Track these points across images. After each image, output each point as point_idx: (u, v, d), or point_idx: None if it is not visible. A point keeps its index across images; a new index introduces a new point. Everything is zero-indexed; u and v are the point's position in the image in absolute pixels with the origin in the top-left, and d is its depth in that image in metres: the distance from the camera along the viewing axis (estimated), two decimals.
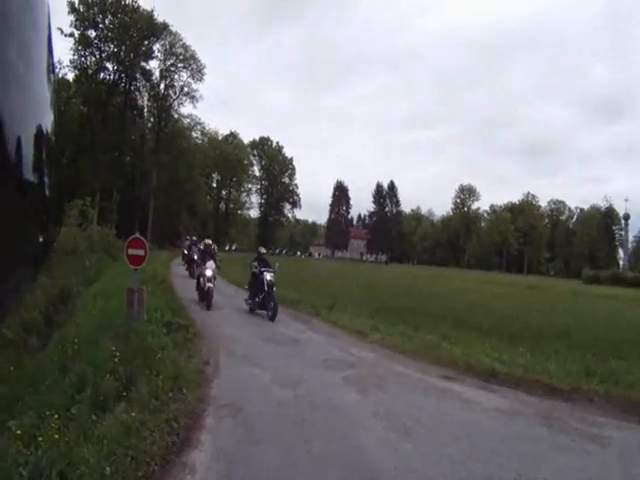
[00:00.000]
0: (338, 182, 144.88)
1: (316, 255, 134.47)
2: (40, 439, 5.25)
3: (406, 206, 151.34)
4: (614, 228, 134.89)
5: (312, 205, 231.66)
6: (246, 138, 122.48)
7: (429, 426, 7.92)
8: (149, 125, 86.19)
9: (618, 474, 6.29)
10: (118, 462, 5.15)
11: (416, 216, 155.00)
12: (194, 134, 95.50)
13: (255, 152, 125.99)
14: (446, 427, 7.92)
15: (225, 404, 8.26)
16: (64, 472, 4.72)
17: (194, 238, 37.44)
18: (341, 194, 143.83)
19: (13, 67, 0.90)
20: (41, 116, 0.97)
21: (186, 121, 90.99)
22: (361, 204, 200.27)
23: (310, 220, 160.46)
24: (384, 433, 7.57)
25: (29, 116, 0.94)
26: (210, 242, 28.30)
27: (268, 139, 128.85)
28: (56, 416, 5.89)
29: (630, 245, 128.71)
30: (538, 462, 6.58)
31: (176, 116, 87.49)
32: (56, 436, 5.34)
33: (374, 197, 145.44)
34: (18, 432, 5.18)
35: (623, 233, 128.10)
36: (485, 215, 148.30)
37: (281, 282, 29.02)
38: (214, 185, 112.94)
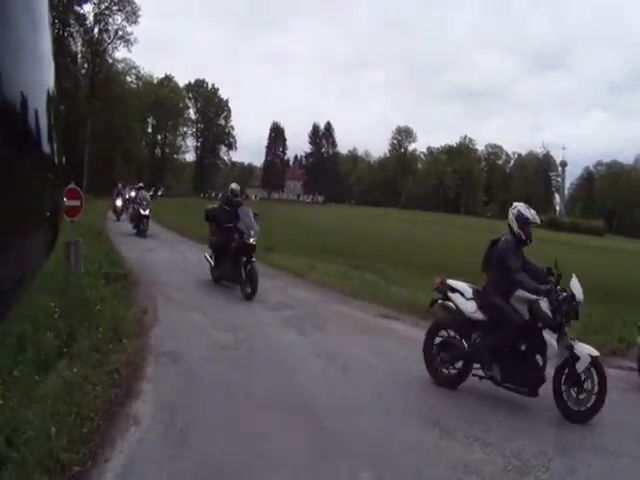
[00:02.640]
0: (274, 123, 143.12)
1: (253, 197, 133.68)
2: None
3: (343, 147, 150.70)
4: (551, 174, 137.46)
5: (248, 147, 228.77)
6: (182, 82, 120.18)
7: (368, 364, 8.18)
8: (82, 72, 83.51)
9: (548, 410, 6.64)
10: (63, 421, 5.18)
11: (353, 157, 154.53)
12: (129, 79, 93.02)
13: (190, 95, 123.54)
14: (385, 365, 8.19)
15: (165, 352, 8.33)
16: (10, 438, 4.73)
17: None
18: (277, 135, 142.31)
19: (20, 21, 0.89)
20: (48, 74, 0.98)
21: (120, 66, 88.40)
22: (298, 145, 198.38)
23: (247, 162, 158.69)
24: (323, 371, 7.79)
25: (41, 78, 0.95)
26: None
27: (203, 81, 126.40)
28: None
29: (567, 192, 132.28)
30: (476, 397, 6.90)
31: (110, 61, 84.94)
32: (0, 402, 5.31)
33: (310, 138, 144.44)
34: None
35: (560, 180, 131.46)
36: (422, 157, 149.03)
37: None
38: (149, 130, 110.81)
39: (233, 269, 13.21)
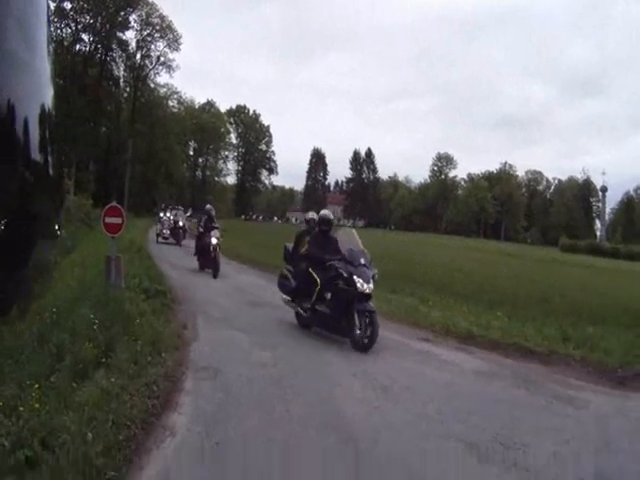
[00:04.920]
0: (315, 149, 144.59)
1: (293, 220, 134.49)
2: (21, 409, 5.24)
3: (383, 173, 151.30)
4: (591, 200, 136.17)
5: (289, 172, 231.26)
6: (224, 107, 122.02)
7: (407, 386, 7.99)
8: (125, 95, 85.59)
9: (594, 437, 6.35)
10: (99, 427, 5.17)
11: (393, 183, 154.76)
12: (170, 103, 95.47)
13: (232, 120, 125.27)
14: (424, 388, 8.00)
15: (204, 367, 8.31)
16: (46, 440, 4.74)
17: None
18: (318, 161, 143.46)
19: (16, 42, 0.87)
20: (44, 92, 0.96)
21: (162, 90, 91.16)
22: (338, 171, 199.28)
23: (287, 186, 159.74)
24: (363, 393, 7.64)
25: (33, 94, 0.92)
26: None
27: (245, 107, 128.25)
28: (36, 385, 5.87)
29: (607, 217, 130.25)
30: (516, 423, 6.66)
31: (152, 86, 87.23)
32: (37, 405, 5.35)
33: (351, 164, 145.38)
34: None
35: (600, 205, 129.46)
36: (462, 183, 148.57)
37: (258, 246, 29.08)
38: (191, 153, 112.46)
39: None
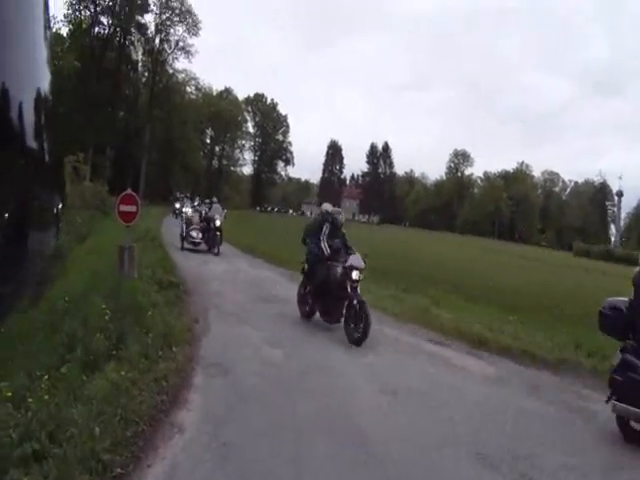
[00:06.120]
0: (332, 141, 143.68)
1: (308, 214, 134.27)
2: (30, 400, 5.22)
3: (399, 168, 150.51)
4: (607, 204, 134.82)
5: (305, 164, 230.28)
6: (241, 94, 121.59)
7: (418, 391, 7.97)
8: (143, 80, 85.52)
9: (604, 448, 6.31)
10: (107, 422, 5.17)
11: (409, 178, 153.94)
12: (188, 89, 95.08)
13: (249, 108, 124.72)
14: (435, 392, 7.98)
15: (214, 363, 8.29)
16: (54, 434, 4.73)
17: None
18: (335, 153, 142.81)
19: (10, 25, 0.85)
20: (39, 76, 0.94)
21: (181, 76, 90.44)
22: (355, 164, 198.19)
23: (303, 178, 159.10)
24: (373, 396, 7.62)
25: (28, 78, 0.90)
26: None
27: (263, 96, 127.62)
28: (46, 376, 5.87)
29: (622, 222, 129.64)
30: (524, 432, 6.63)
31: (171, 71, 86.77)
32: (46, 397, 5.33)
33: (368, 157, 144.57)
34: (9, 394, 5.13)
35: (616, 210, 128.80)
36: (478, 181, 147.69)
37: (274, 240, 29.02)
38: (207, 141, 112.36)
39: None
